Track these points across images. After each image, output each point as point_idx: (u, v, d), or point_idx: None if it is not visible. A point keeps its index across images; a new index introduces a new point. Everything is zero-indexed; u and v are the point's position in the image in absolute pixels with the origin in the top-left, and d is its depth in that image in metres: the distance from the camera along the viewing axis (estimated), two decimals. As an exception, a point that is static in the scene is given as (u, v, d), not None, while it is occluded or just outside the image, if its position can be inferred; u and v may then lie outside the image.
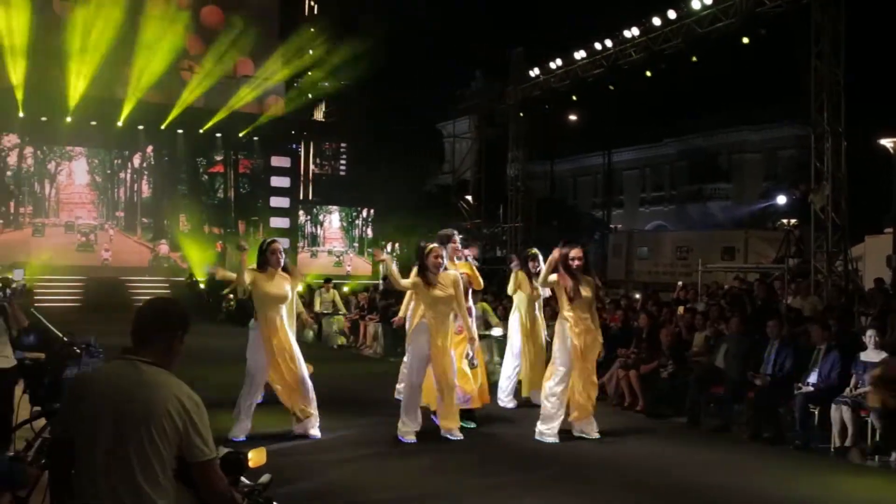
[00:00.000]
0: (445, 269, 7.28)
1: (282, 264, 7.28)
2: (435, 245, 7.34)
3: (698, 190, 37.53)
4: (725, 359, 9.22)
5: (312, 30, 29.22)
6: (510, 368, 9.18)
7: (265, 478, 3.15)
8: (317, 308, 16.56)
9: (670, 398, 9.25)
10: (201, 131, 26.71)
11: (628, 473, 6.46)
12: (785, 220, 25.67)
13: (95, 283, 24.70)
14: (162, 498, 2.83)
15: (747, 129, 35.23)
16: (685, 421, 8.75)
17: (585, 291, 7.40)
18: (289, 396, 7.20)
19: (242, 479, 3.11)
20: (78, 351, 3.53)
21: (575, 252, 7.47)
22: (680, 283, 16.26)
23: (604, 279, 24.68)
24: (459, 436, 7.24)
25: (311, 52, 28.44)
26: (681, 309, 11.98)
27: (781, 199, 29.95)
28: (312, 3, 29.70)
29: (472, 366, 7.77)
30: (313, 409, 7.24)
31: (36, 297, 22.15)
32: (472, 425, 7.86)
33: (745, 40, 15.99)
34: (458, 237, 8.17)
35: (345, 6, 28.31)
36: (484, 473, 6.41)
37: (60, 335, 4.37)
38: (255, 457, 3.08)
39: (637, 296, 15.17)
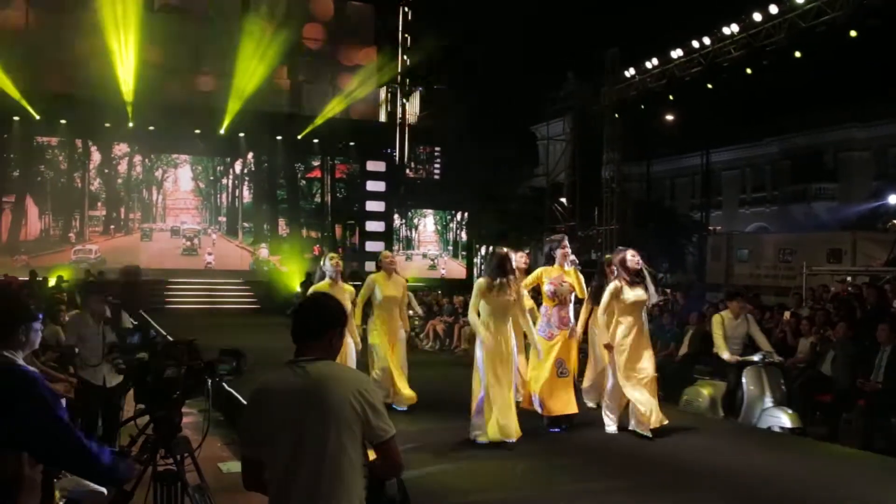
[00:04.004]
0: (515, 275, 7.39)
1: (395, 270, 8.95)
2: (505, 251, 7.42)
3: (802, 190, 36.21)
4: (833, 366, 8.88)
5: (407, 36, 29.57)
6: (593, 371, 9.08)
7: None
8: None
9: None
10: (299, 138, 27.34)
11: (729, 482, 6.24)
12: (896, 221, 24.54)
13: None
14: (344, 497, 2.91)
15: (855, 126, 33.79)
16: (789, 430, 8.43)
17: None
18: (392, 376, 8.60)
19: None
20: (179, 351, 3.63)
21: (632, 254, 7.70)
22: (832, 288, 15.47)
23: (702, 281, 24.18)
24: (513, 439, 7.17)
25: (405, 57, 28.76)
26: (786, 314, 11.60)
27: (893, 199, 28.64)
28: (407, 10, 30.00)
29: (559, 374, 7.70)
30: (406, 389, 8.67)
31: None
32: (558, 429, 7.78)
33: (853, 33, 15.33)
34: (567, 242, 8.06)
35: (438, 12, 28.48)
36: (577, 478, 6.31)
37: (165, 335, 4.52)
38: None
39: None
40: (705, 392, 9.10)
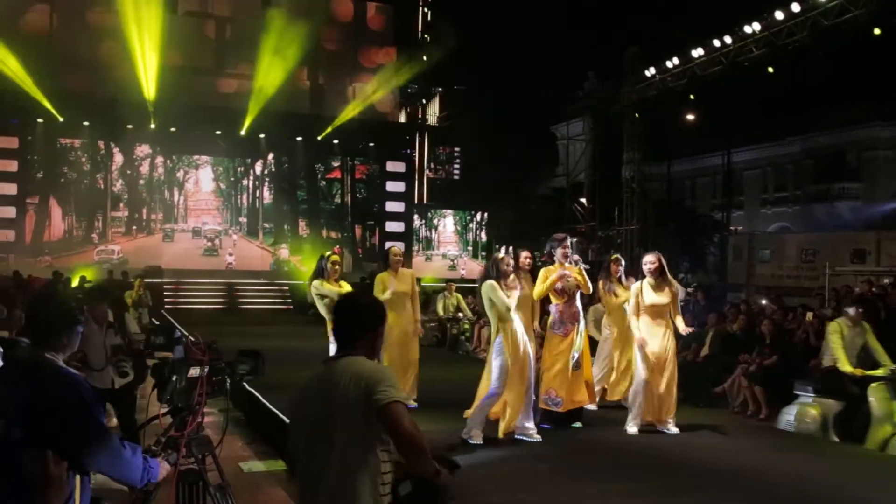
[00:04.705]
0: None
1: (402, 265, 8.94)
2: (501, 255, 7.42)
3: (825, 190, 35.90)
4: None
5: (426, 36, 29.60)
6: (598, 371, 9.03)
7: None
8: (440, 312, 16.36)
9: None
10: (319, 138, 27.47)
11: (748, 483, 6.18)
12: (921, 221, 24.26)
13: None
14: (352, 490, 2.90)
15: (878, 125, 33.47)
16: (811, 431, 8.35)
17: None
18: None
19: None
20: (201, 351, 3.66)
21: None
22: (856, 289, 15.27)
23: (724, 281, 24.04)
24: (537, 438, 7.25)
25: (425, 58, 28.82)
26: (809, 315, 11.51)
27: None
28: (426, 11, 30.05)
29: (575, 367, 7.71)
30: (414, 388, 8.67)
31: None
32: (577, 425, 7.81)
33: (877, 31, 15.18)
34: (569, 241, 8.12)
35: (458, 12, 28.52)
36: (596, 479, 6.29)
37: (188, 335, 4.55)
38: None
39: (764, 301, 14.63)
40: (814, 412, 8.20)
